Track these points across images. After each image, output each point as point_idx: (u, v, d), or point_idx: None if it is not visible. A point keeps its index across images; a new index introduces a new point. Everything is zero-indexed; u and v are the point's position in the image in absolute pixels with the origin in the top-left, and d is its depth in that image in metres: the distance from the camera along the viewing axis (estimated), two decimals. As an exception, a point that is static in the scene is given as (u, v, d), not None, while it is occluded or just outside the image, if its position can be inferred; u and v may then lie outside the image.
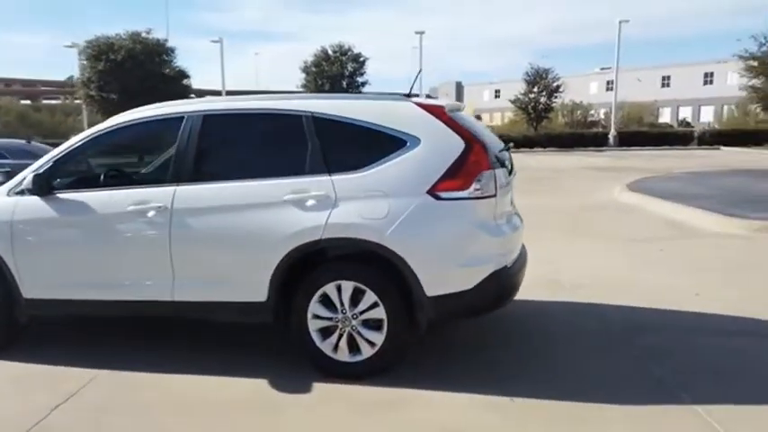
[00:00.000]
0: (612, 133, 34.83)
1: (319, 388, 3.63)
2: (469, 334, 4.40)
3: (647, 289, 5.50)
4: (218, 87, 44.58)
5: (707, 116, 56.34)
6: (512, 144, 4.47)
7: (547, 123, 41.00)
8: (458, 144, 3.60)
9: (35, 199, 4.11)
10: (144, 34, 28.91)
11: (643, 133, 36.53)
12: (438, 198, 3.55)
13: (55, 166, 4.15)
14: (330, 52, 41.83)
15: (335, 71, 41.43)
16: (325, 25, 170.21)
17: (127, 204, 3.93)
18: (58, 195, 4.07)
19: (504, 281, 3.69)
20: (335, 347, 3.73)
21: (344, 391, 3.59)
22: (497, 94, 78.77)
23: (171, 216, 3.86)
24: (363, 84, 42.62)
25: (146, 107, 4.25)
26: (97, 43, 28.18)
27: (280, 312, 3.81)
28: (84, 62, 29.04)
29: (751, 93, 33.08)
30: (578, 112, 44.26)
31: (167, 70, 29.80)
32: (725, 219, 8.50)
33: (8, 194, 4.22)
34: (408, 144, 3.64)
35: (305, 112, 3.83)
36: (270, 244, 3.70)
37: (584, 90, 59.63)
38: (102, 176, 4.28)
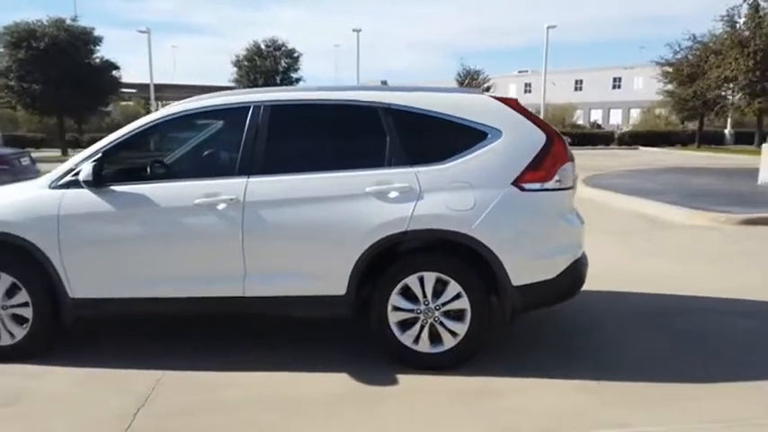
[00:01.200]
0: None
1: (406, 380, 3.64)
2: (521, 323, 4.52)
3: (655, 276, 5.84)
4: (140, 80, 43.13)
5: (615, 118, 59.76)
6: (569, 140, 4.63)
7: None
8: (539, 137, 3.71)
9: (85, 192, 3.85)
10: (69, 21, 27.21)
11: (568, 134, 38.36)
12: (522, 189, 3.64)
13: (106, 156, 3.90)
14: (263, 47, 41.07)
15: (269, 66, 40.74)
16: (245, 20, 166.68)
17: (194, 197, 3.76)
18: (112, 188, 3.83)
19: (579, 271, 3.84)
20: (416, 339, 3.75)
21: (434, 381, 3.61)
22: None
23: (243, 209, 3.73)
24: (298, 80, 42.13)
25: (203, 97, 4.08)
26: (17, 29, 26.19)
27: (357, 305, 3.78)
28: (2, 50, 27.00)
29: (666, 96, 35.52)
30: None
31: (96, 60, 28.20)
32: (692, 212, 9.12)
33: (50, 187, 3.94)
34: (490, 136, 3.71)
35: (381, 103, 3.81)
36: (351, 236, 3.66)
37: (504, 92, 61.33)
38: (159, 168, 4.06)
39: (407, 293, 3.73)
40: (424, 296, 3.71)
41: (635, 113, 53.58)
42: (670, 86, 34.40)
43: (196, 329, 4.52)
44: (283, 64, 41.73)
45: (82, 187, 3.85)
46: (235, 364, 3.87)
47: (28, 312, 3.95)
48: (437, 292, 3.70)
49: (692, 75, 31.63)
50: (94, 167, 3.74)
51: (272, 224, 3.73)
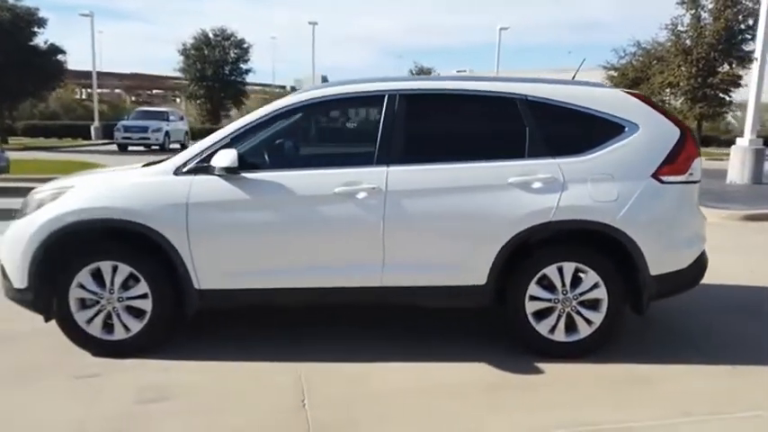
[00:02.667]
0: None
1: (549, 368, 3.69)
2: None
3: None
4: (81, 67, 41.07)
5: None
6: None
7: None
8: (674, 131, 3.85)
9: (215, 179, 3.70)
10: (12, 1, 25.49)
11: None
12: (661, 182, 3.78)
13: (236, 143, 3.75)
14: (211, 36, 39.94)
15: (218, 56, 39.68)
16: (177, 8, 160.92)
17: (333, 186, 3.68)
18: (244, 175, 3.69)
19: (704, 262, 4.02)
20: (553, 328, 3.82)
21: (577, 369, 3.68)
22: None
23: (385, 198, 3.68)
24: (248, 71, 41.30)
25: (330, 84, 4.00)
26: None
27: (495, 296, 3.81)
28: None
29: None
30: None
31: (41, 43, 26.57)
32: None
33: (175, 174, 3.75)
34: (627, 129, 3.82)
35: (518, 95, 3.85)
36: (495, 226, 3.69)
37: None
38: (294, 155, 3.93)
39: (545, 283, 3.79)
40: (563, 286, 3.78)
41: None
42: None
43: (287, 319, 4.41)
44: (233, 54, 40.75)
45: (211, 174, 3.69)
46: (370, 356, 3.82)
47: (146, 304, 3.76)
48: (575, 282, 3.78)
49: (636, 79, 33.15)
50: (239, 154, 3.58)
51: (415, 214, 3.70)
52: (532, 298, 3.79)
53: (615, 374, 3.64)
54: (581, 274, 3.78)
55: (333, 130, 4.16)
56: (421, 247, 3.75)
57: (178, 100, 54.29)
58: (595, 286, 3.77)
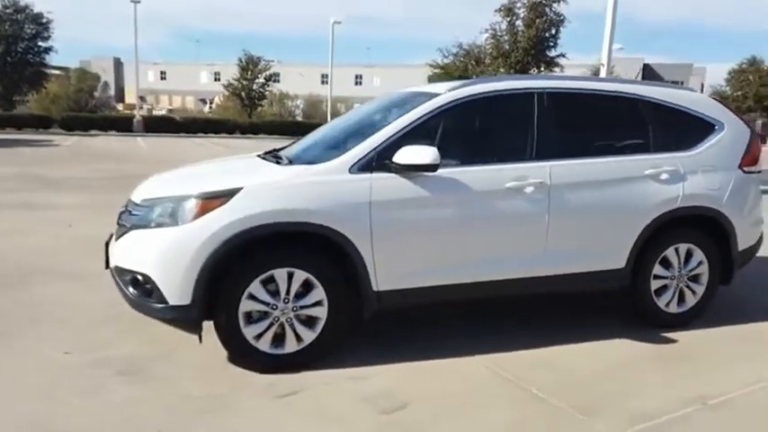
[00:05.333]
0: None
1: (682, 337, 4.19)
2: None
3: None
4: None
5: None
6: None
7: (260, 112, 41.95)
8: (746, 130, 4.60)
9: (392, 176, 3.55)
10: None
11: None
12: (744, 172, 4.49)
13: (403, 141, 3.61)
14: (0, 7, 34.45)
15: (9, 31, 34.36)
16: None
17: (505, 181, 3.76)
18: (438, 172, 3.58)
19: (762, 238, 4.84)
20: (669, 302, 4.34)
21: (706, 335, 4.24)
22: (163, 75, 75.78)
23: (549, 192, 3.86)
24: (49, 50, 36.31)
25: (479, 81, 4.07)
26: None
27: (632, 277, 4.20)
28: None
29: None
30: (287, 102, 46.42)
31: None
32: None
33: (350, 171, 3.51)
34: (717, 127, 4.47)
35: (640, 96, 4.30)
36: (637, 213, 4.10)
37: (195, 79, 70.14)
38: (463, 152, 3.87)
39: (665, 263, 4.29)
40: (679, 264, 4.31)
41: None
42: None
43: (430, 316, 4.37)
44: (28, 30, 35.57)
45: (391, 171, 3.53)
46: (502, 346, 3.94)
47: (320, 312, 3.48)
48: (686, 261, 4.34)
49: (460, 78, 36.04)
50: (436, 151, 3.46)
51: (573, 206, 3.94)
52: (656, 276, 4.27)
53: (746, 334, 4.29)
54: (690, 254, 4.35)
55: (492, 126, 4.18)
56: (577, 237, 4.00)
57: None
58: (701, 263, 4.37)
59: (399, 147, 3.55)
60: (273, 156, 4.23)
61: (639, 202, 4.10)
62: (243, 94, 40.43)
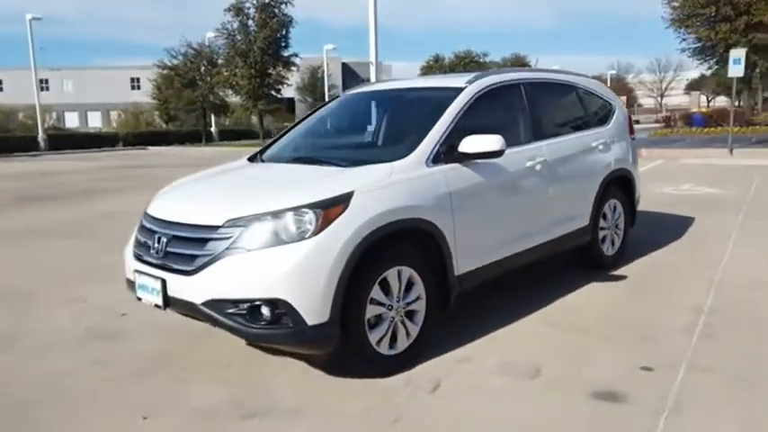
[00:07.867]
0: (42, 136, 32.84)
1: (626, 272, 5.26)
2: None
3: None
4: None
5: (95, 121, 58.26)
6: None
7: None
8: (624, 107, 5.87)
9: (457, 166, 3.80)
10: None
11: (74, 136, 36.50)
12: (633, 139, 5.77)
13: (458, 131, 3.88)
14: None
15: None
16: None
17: (526, 160, 4.31)
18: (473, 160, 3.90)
19: None
20: (609, 247, 5.40)
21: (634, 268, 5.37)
22: None
23: (550, 167, 4.52)
24: None
25: (487, 73, 4.54)
26: None
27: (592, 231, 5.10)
28: None
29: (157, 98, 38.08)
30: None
31: None
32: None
33: (427, 165, 3.66)
34: (613, 106, 5.65)
35: (575, 84, 5.29)
36: (594, 179, 5.05)
37: None
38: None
39: (603, 217, 5.30)
40: (612, 215, 5.39)
41: (114, 115, 53.81)
42: (170, 90, 36.66)
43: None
44: None
45: (457, 160, 3.78)
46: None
47: (420, 305, 3.57)
48: (614, 212, 5.44)
49: (193, 79, 34.76)
50: (501, 137, 3.77)
51: (561, 177, 4.65)
52: (601, 228, 5.27)
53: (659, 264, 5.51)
54: (616, 207, 5.46)
55: (505, 113, 4.54)
56: (566, 203, 4.74)
57: None
58: (623, 212, 5.53)
59: (454, 138, 3.80)
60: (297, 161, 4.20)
61: (595, 169, 5.05)
62: None
